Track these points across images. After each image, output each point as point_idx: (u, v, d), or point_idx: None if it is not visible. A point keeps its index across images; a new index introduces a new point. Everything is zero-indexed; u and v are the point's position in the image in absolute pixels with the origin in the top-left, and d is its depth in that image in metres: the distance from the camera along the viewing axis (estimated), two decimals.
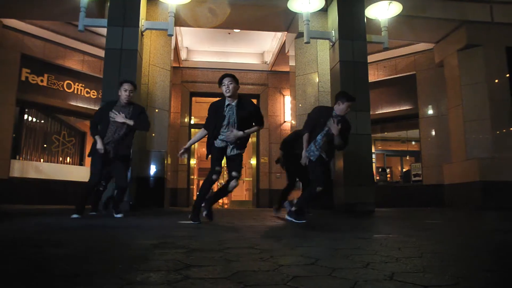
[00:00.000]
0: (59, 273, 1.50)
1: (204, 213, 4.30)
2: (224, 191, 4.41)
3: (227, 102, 4.22)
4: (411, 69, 11.05)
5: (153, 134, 8.17)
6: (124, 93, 4.85)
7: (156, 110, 8.31)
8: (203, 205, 4.29)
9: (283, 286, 1.32)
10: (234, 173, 4.20)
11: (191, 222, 4.00)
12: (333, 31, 7.88)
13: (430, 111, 10.62)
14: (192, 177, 12.72)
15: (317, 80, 8.68)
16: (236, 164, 4.24)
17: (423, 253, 2.10)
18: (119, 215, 4.95)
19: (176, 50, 11.30)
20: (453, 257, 2.07)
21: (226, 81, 4.15)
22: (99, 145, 4.65)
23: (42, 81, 10.07)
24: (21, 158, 9.71)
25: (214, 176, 4.14)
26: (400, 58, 11.27)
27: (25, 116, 9.99)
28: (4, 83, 9.22)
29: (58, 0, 7.98)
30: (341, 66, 7.48)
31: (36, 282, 1.35)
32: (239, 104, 4.24)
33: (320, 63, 8.71)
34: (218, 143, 4.22)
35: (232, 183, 4.21)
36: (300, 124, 8.85)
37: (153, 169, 7.99)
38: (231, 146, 4.20)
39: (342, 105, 4.59)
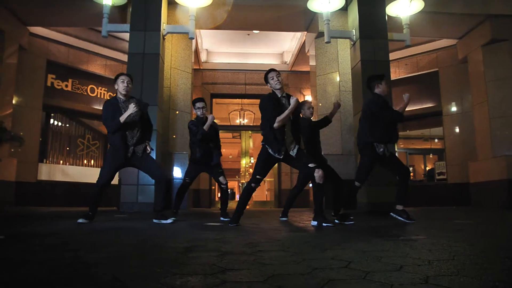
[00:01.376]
0: (99, 278, 1.55)
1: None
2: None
3: (279, 94, 4.16)
4: (433, 66, 10.86)
5: (174, 136, 8.28)
6: (121, 84, 4.36)
7: (177, 112, 8.41)
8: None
9: None
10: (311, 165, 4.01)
11: (229, 224, 4.13)
12: (353, 30, 7.82)
13: (454, 108, 10.43)
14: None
15: (338, 80, 8.64)
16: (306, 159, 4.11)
17: (455, 255, 2.08)
18: (169, 221, 4.38)
19: (196, 52, 11.42)
20: (488, 259, 2.03)
21: (274, 74, 4.16)
22: (131, 109, 4.19)
23: (66, 86, 10.32)
24: (48, 162, 9.98)
25: (253, 185, 4.12)
26: (422, 55, 11.10)
27: (51, 121, 10.26)
28: (31, 89, 9.50)
29: (81, 7, 8.16)
30: (363, 66, 7.43)
31: None
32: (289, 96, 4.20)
33: (341, 62, 8.67)
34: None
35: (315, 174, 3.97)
36: None
37: (176, 171, 8.08)
38: (292, 147, 4.09)
39: (382, 85, 4.61)
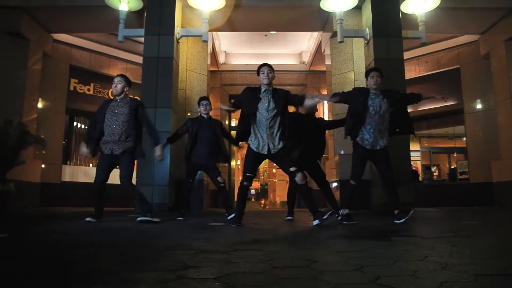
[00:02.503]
0: (71, 272, 1.64)
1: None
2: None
3: (263, 89, 4.22)
4: (454, 63, 10.60)
5: None
6: (112, 85, 4.73)
7: (189, 114, 8.52)
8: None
9: None
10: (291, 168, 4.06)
11: (231, 224, 4.16)
12: (367, 29, 7.74)
13: (476, 106, 10.14)
14: (234, 178, 12.93)
15: (354, 79, 8.56)
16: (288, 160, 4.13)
17: (421, 259, 2.05)
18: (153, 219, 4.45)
19: (214, 54, 11.55)
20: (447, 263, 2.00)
21: (265, 69, 4.22)
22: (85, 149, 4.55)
23: (88, 90, 10.66)
24: (71, 163, 10.34)
25: (245, 183, 4.16)
26: (442, 52, 10.84)
27: (74, 124, 10.62)
28: (55, 93, 9.88)
29: (100, 13, 8.40)
30: (376, 64, 7.32)
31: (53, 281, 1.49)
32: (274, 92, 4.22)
33: (356, 61, 8.59)
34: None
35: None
36: None
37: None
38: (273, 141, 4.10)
39: (367, 81, 4.56)
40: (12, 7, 8.39)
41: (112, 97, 10.79)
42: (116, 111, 4.47)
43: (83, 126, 10.94)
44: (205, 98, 5.60)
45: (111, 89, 10.92)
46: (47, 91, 9.67)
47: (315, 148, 5.22)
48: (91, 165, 10.81)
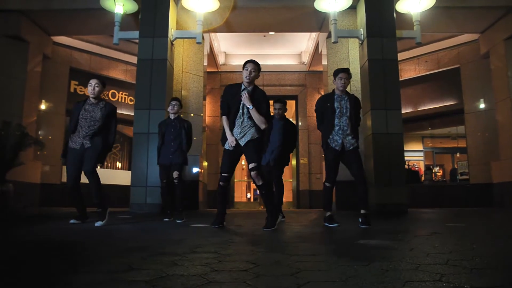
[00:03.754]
0: (24, 271, 1.68)
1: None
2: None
3: (243, 87, 4.05)
4: (454, 62, 10.49)
5: None
6: (89, 88, 4.61)
7: (192, 115, 8.57)
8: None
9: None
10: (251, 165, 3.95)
11: (212, 226, 4.05)
12: (361, 29, 7.71)
13: (476, 106, 10.02)
14: (236, 180, 12.97)
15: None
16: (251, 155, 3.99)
17: (380, 259, 2.04)
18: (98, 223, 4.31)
19: (213, 55, 11.60)
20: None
21: (249, 66, 4.04)
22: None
23: None
24: None
25: (221, 183, 4.06)
26: (442, 51, 10.75)
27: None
28: (55, 95, 10.03)
29: (98, 16, 8.49)
30: (370, 65, 7.31)
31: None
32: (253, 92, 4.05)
33: (352, 61, 8.56)
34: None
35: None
36: None
37: (187, 173, 8.25)
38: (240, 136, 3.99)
39: (335, 81, 4.45)
40: (11, 10, 8.53)
41: (113, 99, 11.06)
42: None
43: None
44: (175, 99, 5.57)
45: (111, 90, 11.11)
46: (47, 93, 9.82)
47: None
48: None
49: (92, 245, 2.80)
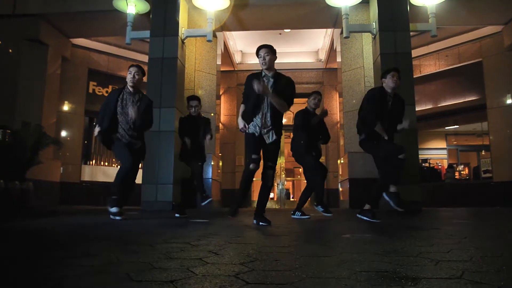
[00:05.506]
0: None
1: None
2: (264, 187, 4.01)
3: (263, 73, 3.95)
4: (476, 56, 10.10)
5: None
6: (128, 76, 4.52)
7: (202, 114, 8.58)
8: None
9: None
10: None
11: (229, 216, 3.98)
12: (373, 23, 7.54)
13: (500, 101, 9.60)
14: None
15: (363, 75, 8.37)
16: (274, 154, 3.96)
17: (362, 251, 1.96)
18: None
19: (229, 54, 11.63)
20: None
21: (262, 52, 3.91)
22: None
23: (107, 92, 11.00)
24: (91, 163, 10.71)
25: (251, 166, 3.81)
26: (464, 45, 10.37)
27: (94, 125, 10.98)
28: (74, 96, 10.30)
29: (113, 17, 8.63)
30: (382, 59, 7.13)
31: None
32: (276, 77, 3.94)
33: (366, 57, 8.41)
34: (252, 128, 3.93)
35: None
36: (347, 122, 8.60)
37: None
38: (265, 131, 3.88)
39: (385, 80, 4.52)
40: (31, 14, 8.81)
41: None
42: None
43: None
44: (194, 98, 5.63)
45: None
46: (67, 94, 10.09)
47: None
48: (107, 164, 11.15)
49: (80, 237, 2.83)
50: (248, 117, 3.91)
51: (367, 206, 4.32)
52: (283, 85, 3.89)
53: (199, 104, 5.58)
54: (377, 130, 4.29)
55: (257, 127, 3.87)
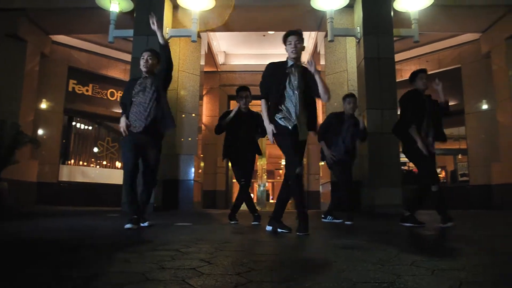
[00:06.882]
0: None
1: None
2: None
3: (289, 63, 3.51)
4: (456, 62, 10.35)
5: (182, 139, 8.40)
6: (141, 61, 4.12)
7: (183, 116, 8.52)
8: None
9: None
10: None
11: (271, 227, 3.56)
12: (358, 27, 7.62)
13: (477, 106, 9.86)
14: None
15: (347, 78, 8.45)
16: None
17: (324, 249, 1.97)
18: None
19: (212, 54, 11.56)
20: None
21: (293, 38, 3.48)
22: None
23: (87, 90, 10.80)
24: (69, 163, 10.47)
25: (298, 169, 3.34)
26: (444, 51, 10.60)
27: (73, 124, 10.76)
28: (53, 94, 10.05)
29: (96, 15, 8.45)
30: (366, 63, 7.22)
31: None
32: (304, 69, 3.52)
33: (349, 61, 8.48)
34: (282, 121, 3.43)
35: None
36: None
37: (183, 173, 8.19)
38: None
39: (415, 82, 4.68)
40: (9, 9, 8.53)
41: (112, 98, 10.99)
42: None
43: (82, 126, 11.07)
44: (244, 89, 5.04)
45: (110, 90, 11.11)
46: (45, 92, 9.83)
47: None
48: (85, 164, 10.93)
49: (52, 243, 2.75)
50: (274, 111, 3.45)
51: (407, 213, 4.37)
52: (314, 79, 3.42)
53: (250, 96, 4.94)
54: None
55: (290, 121, 3.39)
